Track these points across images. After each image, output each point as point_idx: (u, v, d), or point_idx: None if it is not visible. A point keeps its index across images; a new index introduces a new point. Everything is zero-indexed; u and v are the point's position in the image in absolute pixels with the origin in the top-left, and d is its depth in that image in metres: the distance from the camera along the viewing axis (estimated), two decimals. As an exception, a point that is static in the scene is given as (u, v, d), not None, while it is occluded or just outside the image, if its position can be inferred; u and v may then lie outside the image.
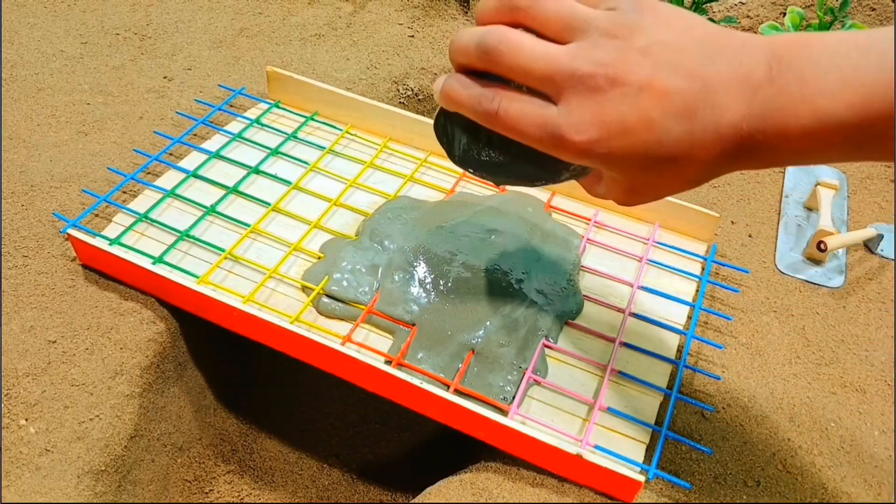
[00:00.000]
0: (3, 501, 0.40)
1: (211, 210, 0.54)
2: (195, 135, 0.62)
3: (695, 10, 0.72)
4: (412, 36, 0.77)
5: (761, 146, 0.29)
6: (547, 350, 0.47)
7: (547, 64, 0.30)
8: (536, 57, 0.30)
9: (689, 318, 0.50)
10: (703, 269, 0.54)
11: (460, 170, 0.59)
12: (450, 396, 0.41)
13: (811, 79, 0.28)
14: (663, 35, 0.29)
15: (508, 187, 0.58)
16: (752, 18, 0.78)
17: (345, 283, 0.49)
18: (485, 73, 0.32)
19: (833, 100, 0.28)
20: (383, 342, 0.47)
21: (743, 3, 0.79)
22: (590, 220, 0.56)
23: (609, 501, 0.41)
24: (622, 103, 0.29)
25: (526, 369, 0.45)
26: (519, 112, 0.31)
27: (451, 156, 0.37)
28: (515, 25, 0.31)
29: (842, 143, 0.28)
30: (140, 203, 0.54)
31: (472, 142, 0.36)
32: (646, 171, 0.31)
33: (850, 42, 0.28)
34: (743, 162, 0.30)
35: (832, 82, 0.28)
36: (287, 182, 0.57)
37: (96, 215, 0.54)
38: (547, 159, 0.33)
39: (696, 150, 0.30)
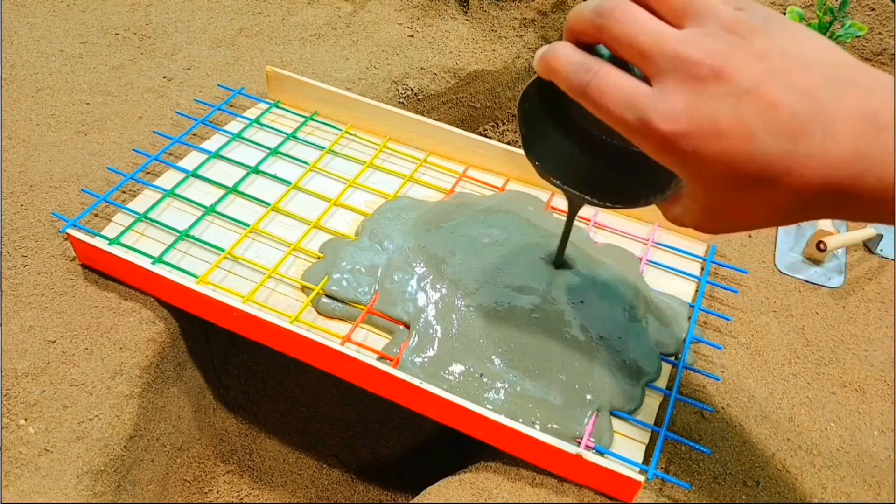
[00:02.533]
0: (2, 501, 0.40)
1: (210, 210, 0.54)
2: (195, 135, 0.62)
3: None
4: (412, 36, 0.77)
5: (867, 193, 0.26)
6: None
7: (654, 40, 0.28)
8: (645, 31, 0.28)
9: (689, 318, 0.50)
10: (702, 269, 0.54)
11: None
12: (450, 396, 0.41)
13: None
14: (788, 47, 0.27)
15: (509, 187, 0.58)
16: None
17: (344, 283, 0.49)
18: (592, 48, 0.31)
19: None
20: (383, 342, 0.47)
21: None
22: (589, 220, 0.56)
23: (609, 501, 0.41)
24: (721, 101, 0.27)
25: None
26: (612, 86, 0.29)
27: (529, 143, 0.36)
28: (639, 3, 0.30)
29: None
30: (139, 203, 0.54)
31: (553, 128, 0.34)
32: (731, 187, 0.28)
33: None
34: (842, 206, 0.27)
35: None
36: (287, 182, 0.57)
37: (96, 215, 0.54)
38: (628, 166, 0.32)
39: (793, 177, 0.26)
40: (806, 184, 0.27)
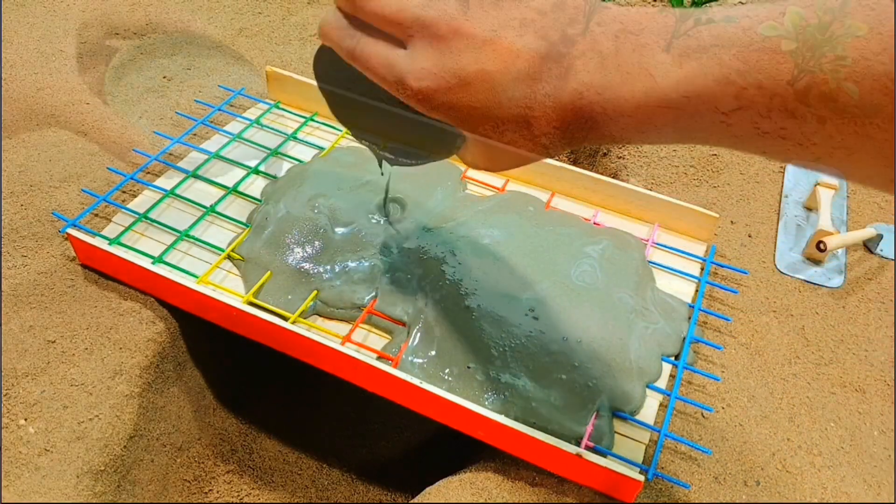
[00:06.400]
0: (2, 501, 0.40)
1: (211, 210, 0.54)
2: (195, 135, 0.62)
3: (694, 11, 0.72)
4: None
5: (600, 118, 0.29)
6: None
7: (397, 8, 0.30)
8: (389, 1, 0.31)
9: (689, 318, 0.50)
10: (702, 269, 0.54)
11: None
12: (450, 396, 0.41)
13: (650, 53, 0.27)
14: None
15: (509, 188, 0.58)
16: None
17: (339, 284, 0.49)
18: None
19: (664, 76, 0.27)
20: (382, 342, 0.47)
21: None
22: (589, 220, 0.56)
23: (609, 501, 0.41)
24: (463, 55, 0.29)
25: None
26: (371, 51, 0.32)
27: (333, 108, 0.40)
28: None
29: (669, 122, 0.28)
30: (140, 203, 0.54)
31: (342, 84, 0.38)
32: (492, 130, 0.31)
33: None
34: (586, 133, 0.30)
35: (665, 59, 0.27)
36: (287, 182, 0.57)
37: (96, 215, 0.54)
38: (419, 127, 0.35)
39: (536, 117, 0.30)
40: (549, 120, 0.29)
